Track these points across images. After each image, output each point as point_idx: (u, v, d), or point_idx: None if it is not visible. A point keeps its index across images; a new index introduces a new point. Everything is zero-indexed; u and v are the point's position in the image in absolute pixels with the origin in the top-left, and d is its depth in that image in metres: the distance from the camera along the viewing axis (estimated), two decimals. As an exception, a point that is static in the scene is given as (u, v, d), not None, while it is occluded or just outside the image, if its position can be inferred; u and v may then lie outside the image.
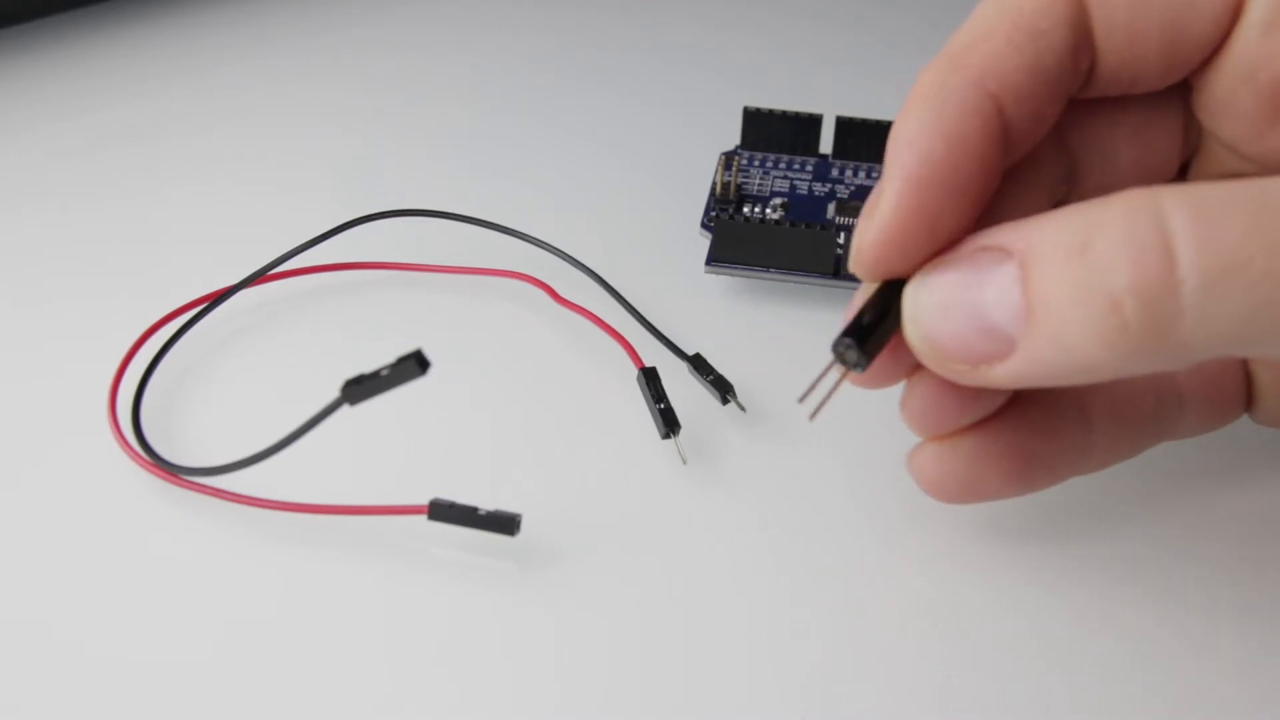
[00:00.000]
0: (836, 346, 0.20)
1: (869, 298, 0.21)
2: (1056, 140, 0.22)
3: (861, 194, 0.34)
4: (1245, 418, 0.24)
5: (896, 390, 0.27)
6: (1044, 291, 0.18)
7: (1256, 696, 0.21)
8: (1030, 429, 0.22)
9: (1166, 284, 0.17)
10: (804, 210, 0.33)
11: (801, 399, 0.22)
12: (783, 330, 0.30)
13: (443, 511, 0.23)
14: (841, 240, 0.30)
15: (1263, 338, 0.17)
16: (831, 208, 0.33)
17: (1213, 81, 0.21)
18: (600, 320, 0.29)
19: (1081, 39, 0.20)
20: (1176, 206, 0.17)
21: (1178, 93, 0.22)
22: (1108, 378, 0.18)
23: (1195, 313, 0.17)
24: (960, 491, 0.22)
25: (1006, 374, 0.19)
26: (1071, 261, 0.18)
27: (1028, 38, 0.20)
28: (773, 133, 0.35)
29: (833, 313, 0.31)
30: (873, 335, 0.20)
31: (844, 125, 0.35)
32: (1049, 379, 0.19)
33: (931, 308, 0.20)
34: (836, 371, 0.21)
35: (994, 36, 0.20)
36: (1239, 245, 0.17)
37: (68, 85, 0.41)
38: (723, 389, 0.27)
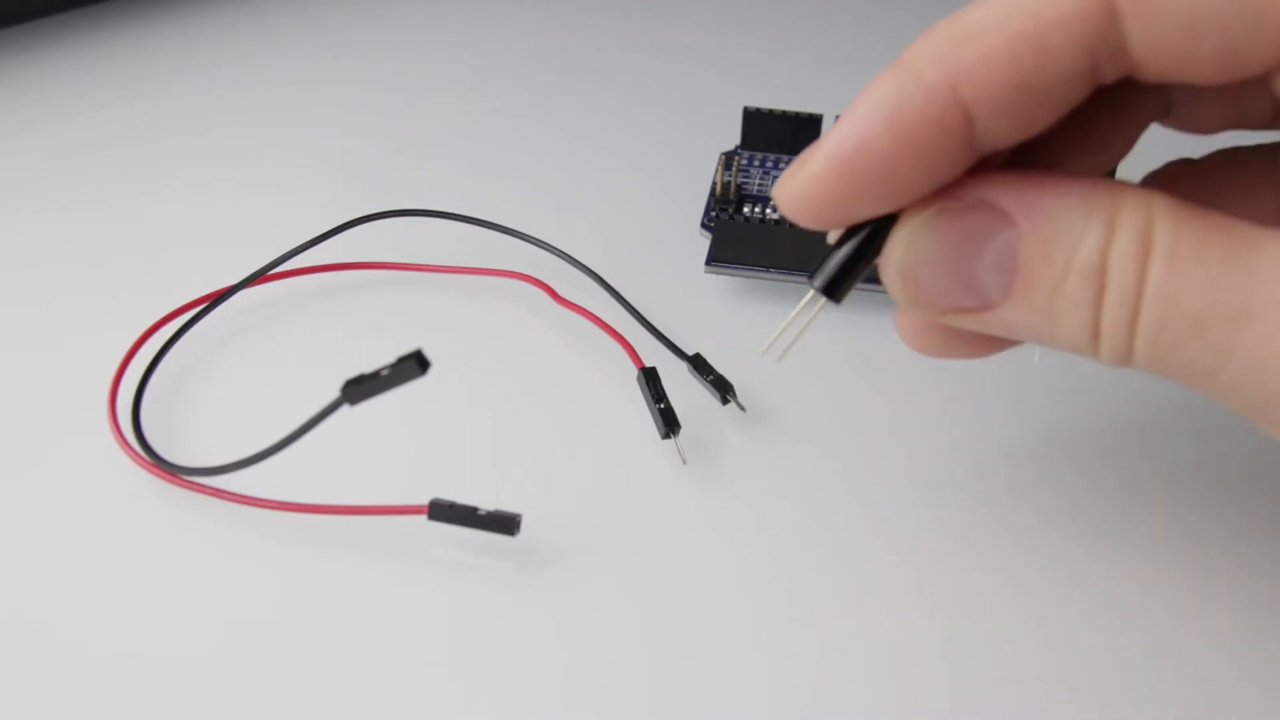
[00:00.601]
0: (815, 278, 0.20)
1: (852, 250, 0.20)
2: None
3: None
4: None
5: (896, 392, 0.27)
6: (1031, 276, 0.18)
7: (1265, 687, 0.21)
8: None
9: (1132, 320, 0.18)
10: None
11: (765, 349, 0.21)
12: (783, 330, 0.30)
13: (443, 511, 0.23)
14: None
15: (1209, 394, 0.18)
16: (831, 208, 0.33)
17: None
18: (600, 320, 0.29)
19: (1104, 56, 0.18)
20: (1167, 220, 0.17)
21: None
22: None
23: (1145, 353, 0.18)
24: (940, 351, 0.22)
25: (974, 325, 0.19)
26: (1063, 258, 0.18)
27: (1030, 52, 0.18)
28: (773, 133, 0.35)
29: (832, 312, 0.30)
30: (850, 275, 0.20)
31: (844, 125, 0.34)
32: (1013, 338, 0.20)
33: (920, 258, 0.19)
34: (809, 311, 0.21)
35: (992, 38, 0.18)
36: (1195, 298, 0.17)
37: (68, 85, 0.41)
38: (723, 389, 0.27)
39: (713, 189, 0.33)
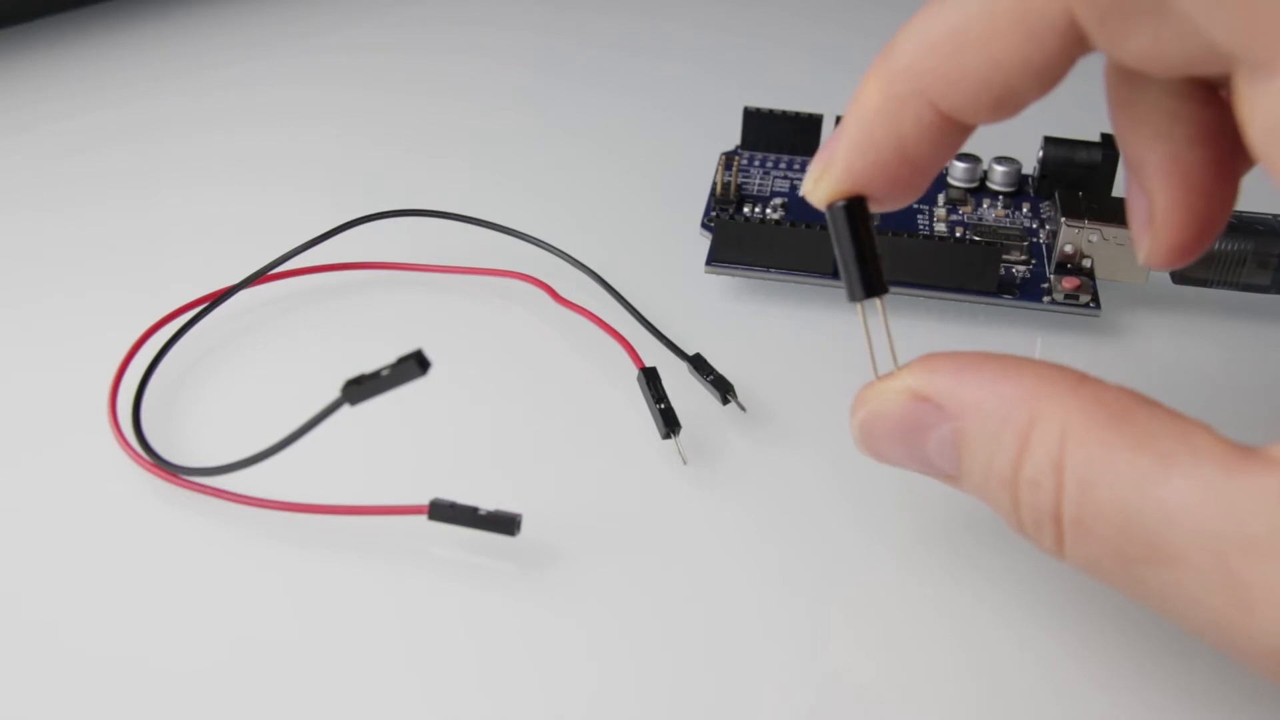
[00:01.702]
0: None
1: (842, 246, 0.21)
2: None
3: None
4: None
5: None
6: (968, 463, 0.20)
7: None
8: None
9: (1054, 548, 0.19)
10: (804, 210, 0.33)
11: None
12: (783, 330, 0.30)
13: (443, 511, 0.23)
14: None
15: (1125, 582, 0.18)
16: (831, 208, 0.33)
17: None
18: (600, 320, 0.29)
19: (1074, 44, 0.19)
20: (1079, 444, 0.18)
21: None
22: None
23: (1072, 546, 0.19)
24: None
25: (949, 486, 0.21)
26: (984, 459, 0.19)
27: (999, 75, 0.19)
28: (773, 133, 0.35)
29: (833, 312, 0.31)
30: (864, 266, 0.21)
31: (844, 125, 0.35)
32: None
33: (878, 435, 0.21)
34: (874, 316, 0.22)
35: (942, 45, 0.19)
36: (1104, 540, 0.18)
37: (67, 85, 0.41)
38: (723, 389, 0.27)
39: (713, 189, 0.33)
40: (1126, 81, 0.21)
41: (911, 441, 0.20)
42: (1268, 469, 0.16)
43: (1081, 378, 0.19)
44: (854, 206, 0.21)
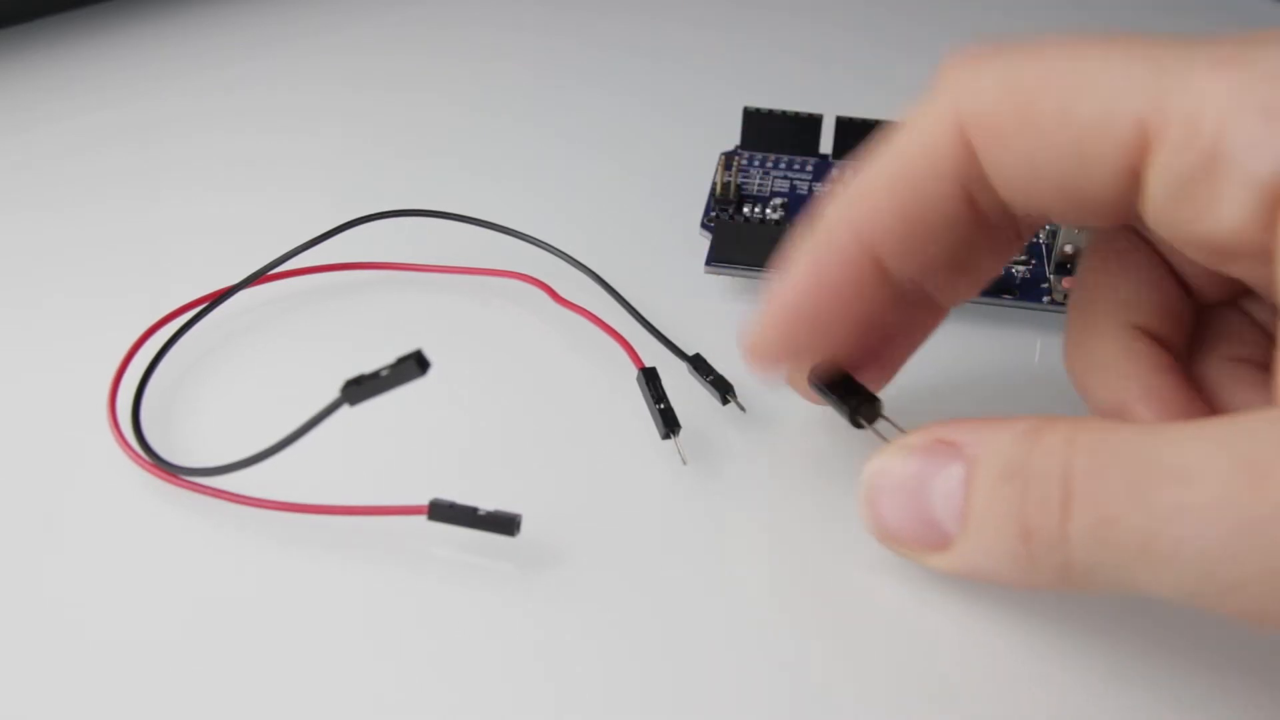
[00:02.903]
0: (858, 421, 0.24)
1: (830, 399, 0.24)
2: None
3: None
4: None
5: (896, 392, 0.27)
6: (978, 503, 0.20)
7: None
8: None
9: (1060, 533, 0.18)
10: (804, 210, 0.33)
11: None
12: (783, 330, 0.30)
13: (443, 512, 0.23)
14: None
15: (1144, 585, 0.18)
16: (831, 208, 0.33)
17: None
18: (600, 320, 0.29)
19: (975, 189, 0.21)
20: (1084, 451, 0.18)
21: None
22: (1030, 588, 0.20)
23: (1082, 561, 0.18)
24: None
25: (941, 565, 0.21)
26: (1003, 483, 0.19)
27: (910, 195, 0.21)
28: (773, 133, 0.35)
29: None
30: (860, 408, 0.24)
31: (844, 125, 0.35)
32: (979, 579, 0.21)
33: (884, 490, 0.21)
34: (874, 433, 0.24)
35: (878, 193, 0.21)
36: (1114, 500, 0.18)
37: (67, 85, 0.41)
38: (723, 389, 0.27)
39: (713, 189, 0.33)
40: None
41: (918, 490, 0.21)
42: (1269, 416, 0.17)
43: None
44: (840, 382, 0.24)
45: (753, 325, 0.23)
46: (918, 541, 0.21)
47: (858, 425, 0.24)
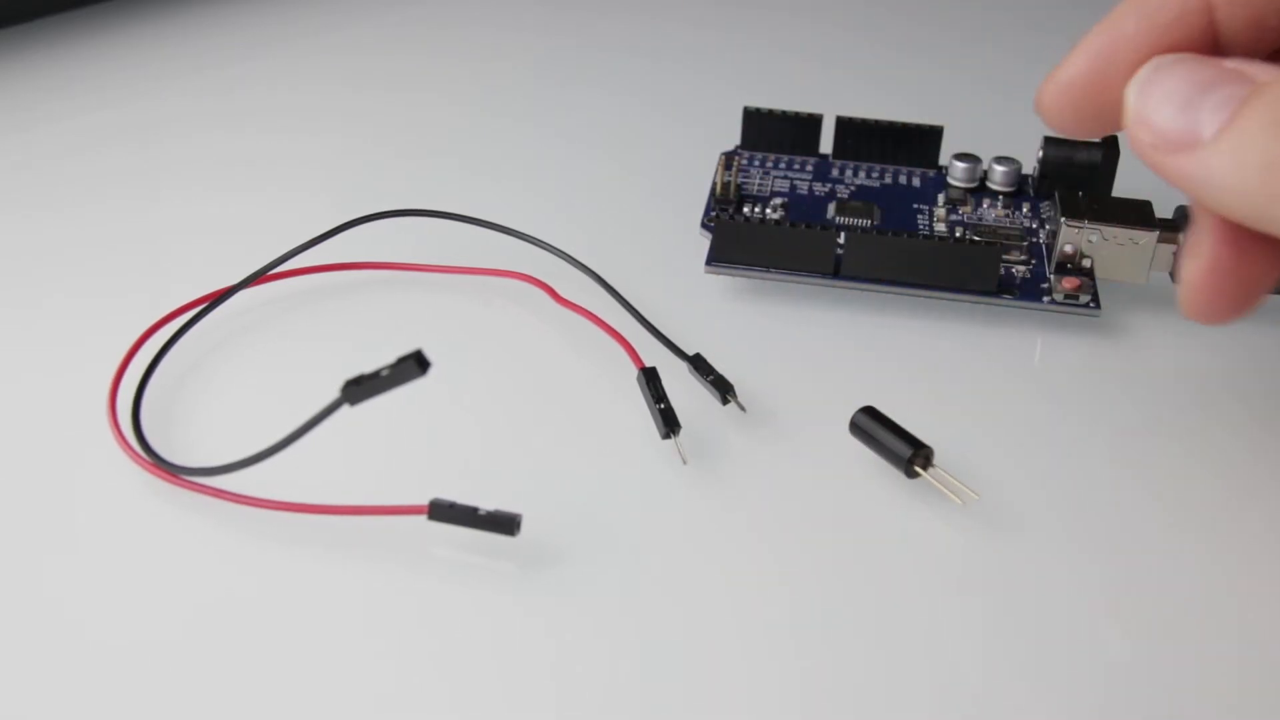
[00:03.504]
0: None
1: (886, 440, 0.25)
2: None
3: (862, 194, 0.34)
4: None
5: (897, 392, 0.27)
6: (1247, 118, 0.20)
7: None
8: None
9: None
10: (804, 210, 0.33)
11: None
12: (783, 330, 0.30)
13: (443, 512, 0.23)
14: (841, 240, 0.30)
15: None
16: (831, 208, 0.33)
17: None
18: (600, 320, 0.29)
19: None
20: None
21: None
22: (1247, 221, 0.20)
23: None
24: (1213, 312, 0.23)
25: (1177, 167, 0.21)
26: (1275, 106, 0.19)
27: None
28: (773, 133, 0.35)
29: (833, 313, 0.31)
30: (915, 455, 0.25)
31: (844, 125, 0.35)
32: (1207, 190, 0.20)
33: (1150, 88, 0.21)
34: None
35: None
36: None
37: (67, 85, 0.41)
38: (723, 389, 0.27)
39: (713, 189, 0.33)
40: None
41: (1194, 94, 0.20)
42: None
43: None
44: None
45: (1064, 63, 0.23)
46: (1172, 130, 0.21)
47: (912, 475, 0.25)
